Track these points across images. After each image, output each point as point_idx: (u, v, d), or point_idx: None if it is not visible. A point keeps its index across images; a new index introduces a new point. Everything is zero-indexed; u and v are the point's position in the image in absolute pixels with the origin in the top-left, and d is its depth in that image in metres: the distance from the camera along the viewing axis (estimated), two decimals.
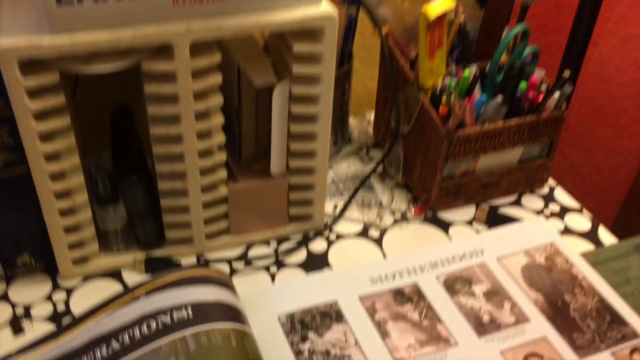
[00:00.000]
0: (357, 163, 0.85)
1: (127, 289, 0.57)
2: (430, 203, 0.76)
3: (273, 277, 0.68)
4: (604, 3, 0.93)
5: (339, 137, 0.85)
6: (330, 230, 0.74)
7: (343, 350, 0.58)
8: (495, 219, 0.76)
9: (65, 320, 0.61)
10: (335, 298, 0.64)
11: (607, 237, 0.74)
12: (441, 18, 0.69)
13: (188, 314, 0.52)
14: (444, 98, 0.71)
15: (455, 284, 0.66)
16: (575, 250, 0.71)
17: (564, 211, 0.78)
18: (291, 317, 0.61)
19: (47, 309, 0.63)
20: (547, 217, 0.77)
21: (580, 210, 0.78)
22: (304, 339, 0.59)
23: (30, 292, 0.64)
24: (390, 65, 0.75)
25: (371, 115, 0.92)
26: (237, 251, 0.71)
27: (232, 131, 0.67)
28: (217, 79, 0.59)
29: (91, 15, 0.51)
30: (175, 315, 0.52)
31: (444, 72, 0.74)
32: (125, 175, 0.64)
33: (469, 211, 0.78)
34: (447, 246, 0.71)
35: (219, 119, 0.62)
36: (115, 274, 0.67)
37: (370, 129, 0.91)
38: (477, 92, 0.74)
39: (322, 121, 0.65)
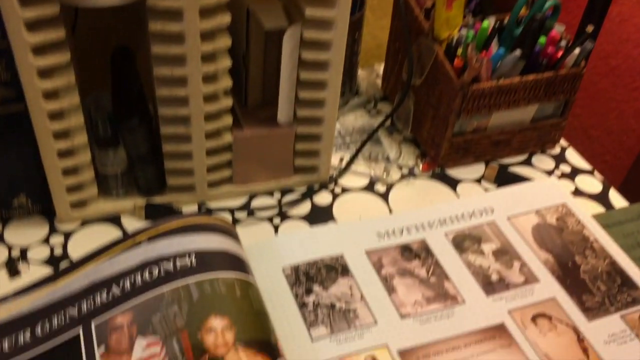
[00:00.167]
0: (365, 116, 0.83)
1: (126, 235, 0.55)
2: (439, 159, 0.74)
3: (276, 229, 0.66)
4: None
5: (347, 89, 0.83)
6: (336, 183, 0.72)
7: (348, 304, 0.57)
8: (504, 178, 0.74)
9: (63, 265, 0.59)
10: (341, 251, 0.62)
11: (617, 200, 0.73)
12: None
13: (191, 262, 0.51)
14: (459, 50, 0.68)
15: (464, 242, 0.64)
16: (587, 212, 0.69)
17: (574, 172, 0.76)
18: (296, 269, 0.60)
19: (44, 252, 0.61)
20: (557, 177, 0.75)
21: (591, 172, 0.76)
22: (308, 291, 0.58)
23: (27, 234, 0.63)
24: (405, 14, 0.72)
25: (380, 68, 0.89)
26: (239, 201, 0.69)
27: (238, 76, 0.64)
28: (225, 18, 0.56)
29: None
30: (178, 263, 0.51)
31: (460, 23, 0.70)
32: (126, 117, 0.61)
33: (478, 169, 0.76)
34: (457, 203, 0.69)
35: (226, 62, 0.59)
36: (114, 220, 0.65)
37: (379, 82, 0.88)
38: (494, 46, 0.71)
39: (334, 69, 0.62)
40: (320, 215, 0.68)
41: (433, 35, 0.70)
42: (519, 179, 0.75)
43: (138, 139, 0.62)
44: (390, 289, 0.59)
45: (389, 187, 0.72)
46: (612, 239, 0.65)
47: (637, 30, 1.08)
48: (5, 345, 0.50)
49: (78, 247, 0.62)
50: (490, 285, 0.60)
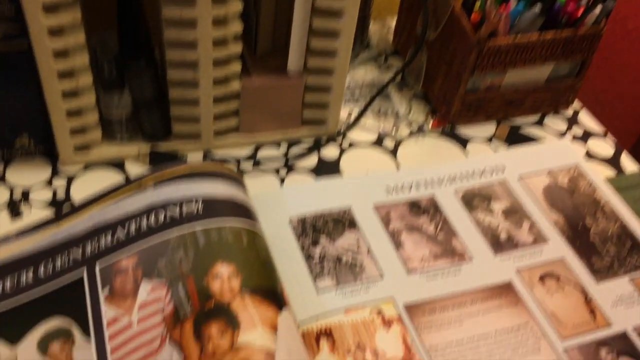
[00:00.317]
0: (375, 70, 0.81)
1: (132, 179, 0.54)
2: (450, 116, 0.73)
3: (282, 181, 0.65)
4: None
5: (358, 42, 0.80)
6: (344, 137, 0.71)
7: (355, 257, 0.56)
8: (515, 138, 0.73)
9: (65, 208, 0.58)
10: (349, 205, 0.61)
11: (629, 164, 0.72)
12: None
13: (198, 208, 0.50)
14: (477, 4, 0.66)
15: (473, 200, 0.63)
16: (599, 174, 0.68)
17: (587, 135, 0.75)
18: (302, 220, 0.59)
19: (46, 194, 0.60)
20: (570, 140, 0.74)
21: (604, 135, 0.75)
22: (315, 243, 0.57)
23: (29, 175, 0.61)
24: None
25: (392, 22, 0.87)
26: (245, 151, 0.68)
27: (249, 23, 0.62)
28: None
29: None
30: (185, 208, 0.50)
31: None
32: (133, 59, 0.59)
33: (489, 128, 0.74)
34: (467, 161, 0.68)
35: (236, 6, 0.57)
36: (118, 164, 0.64)
37: (390, 36, 0.86)
38: (512, 1, 0.69)
39: (348, 18, 0.60)
40: (327, 169, 0.67)
41: None
42: (529, 139, 0.73)
43: (144, 83, 0.61)
44: (398, 244, 0.58)
45: (398, 143, 0.71)
46: (623, 202, 0.65)
47: None
48: (7, 284, 0.49)
49: (81, 191, 0.61)
50: (499, 244, 0.59)
